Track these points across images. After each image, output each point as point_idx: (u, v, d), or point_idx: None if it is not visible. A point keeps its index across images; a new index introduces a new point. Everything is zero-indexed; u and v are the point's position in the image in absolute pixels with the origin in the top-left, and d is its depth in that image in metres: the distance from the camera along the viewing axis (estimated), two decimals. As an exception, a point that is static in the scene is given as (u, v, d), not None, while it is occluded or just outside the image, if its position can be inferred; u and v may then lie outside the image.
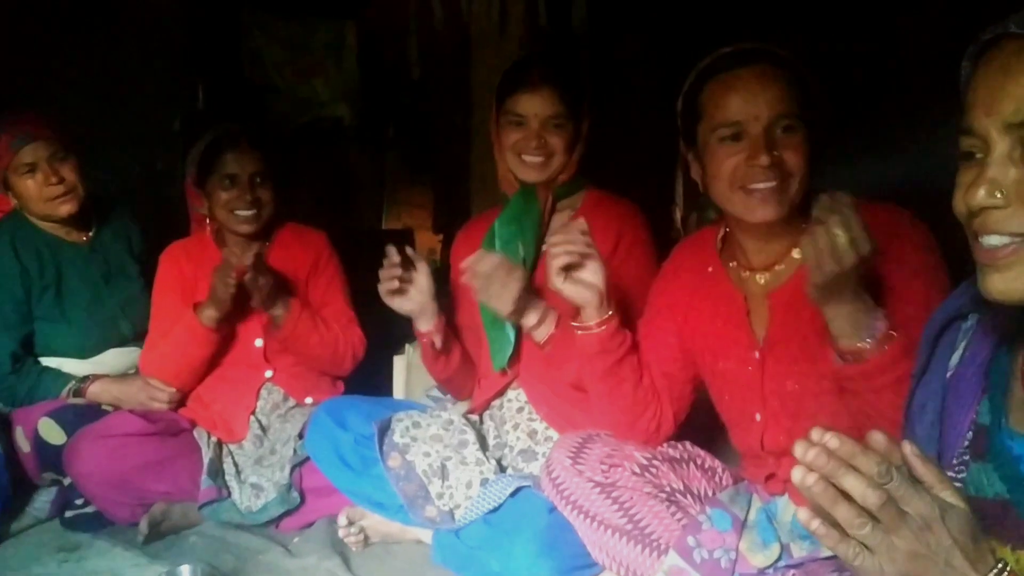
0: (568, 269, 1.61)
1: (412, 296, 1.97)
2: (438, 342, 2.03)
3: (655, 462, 1.69)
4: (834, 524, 0.78)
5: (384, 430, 2.02)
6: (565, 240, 1.60)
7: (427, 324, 2.01)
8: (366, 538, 2.07)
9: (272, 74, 3.88)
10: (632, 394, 1.71)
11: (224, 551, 2.06)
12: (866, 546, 0.77)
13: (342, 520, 2.07)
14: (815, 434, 0.79)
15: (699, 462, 1.74)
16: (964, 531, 0.78)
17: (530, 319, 1.86)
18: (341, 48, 3.93)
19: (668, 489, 1.66)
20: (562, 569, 1.67)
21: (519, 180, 2.02)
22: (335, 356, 2.37)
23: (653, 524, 1.59)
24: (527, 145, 1.96)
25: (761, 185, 1.43)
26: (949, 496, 0.79)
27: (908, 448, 0.80)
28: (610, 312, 1.64)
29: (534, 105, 1.95)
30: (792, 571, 1.43)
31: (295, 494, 2.16)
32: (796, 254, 1.52)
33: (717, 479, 1.73)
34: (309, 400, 2.39)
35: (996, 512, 0.92)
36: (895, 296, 1.40)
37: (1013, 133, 0.83)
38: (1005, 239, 0.85)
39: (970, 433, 0.99)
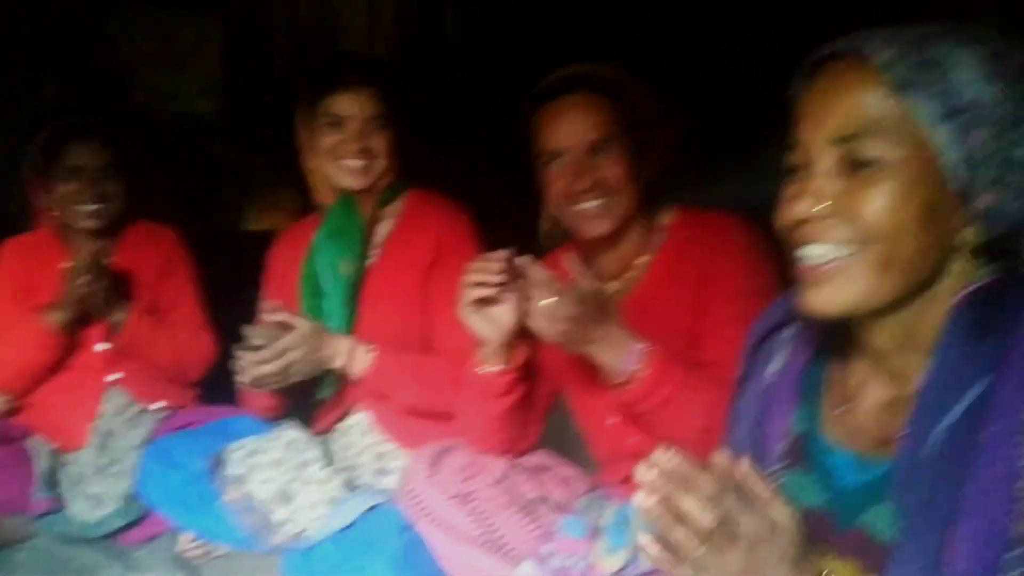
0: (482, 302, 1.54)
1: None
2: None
3: (512, 472, 1.70)
4: (671, 547, 0.79)
5: (217, 464, 1.91)
6: (483, 270, 1.50)
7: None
8: (209, 550, 1.98)
9: (131, 65, 3.71)
10: (521, 426, 1.70)
11: (59, 567, 1.95)
12: (701, 566, 0.78)
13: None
14: (657, 455, 0.80)
15: (556, 471, 1.75)
16: (792, 545, 0.81)
17: (337, 361, 1.79)
18: (206, 42, 3.79)
19: (525, 499, 1.67)
20: (418, 590, 1.64)
21: (337, 188, 1.90)
22: (181, 364, 2.27)
23: (509, 535, 1.59)
24: (347, 149, 1.84)
25: (585, 205, 1.53)
26: (780, 512, 0.82)
27: (742, 467, 0.82)
28: (512, 365, 1.59)
29: (354, 105, 1.83)
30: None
31: (138, 505, 2.05)
32: (642, 260, 1.63)
33: (573, 487, 1.74)
34: (157, 405, 2.28)
35: (815, 520, 0.94)
36: (709, 312, 1.52)
37: (838, 147, 0.86)
38: (827, 251, 0.87)
39: (785, 442, 1.02)
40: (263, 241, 2.00)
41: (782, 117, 0.98)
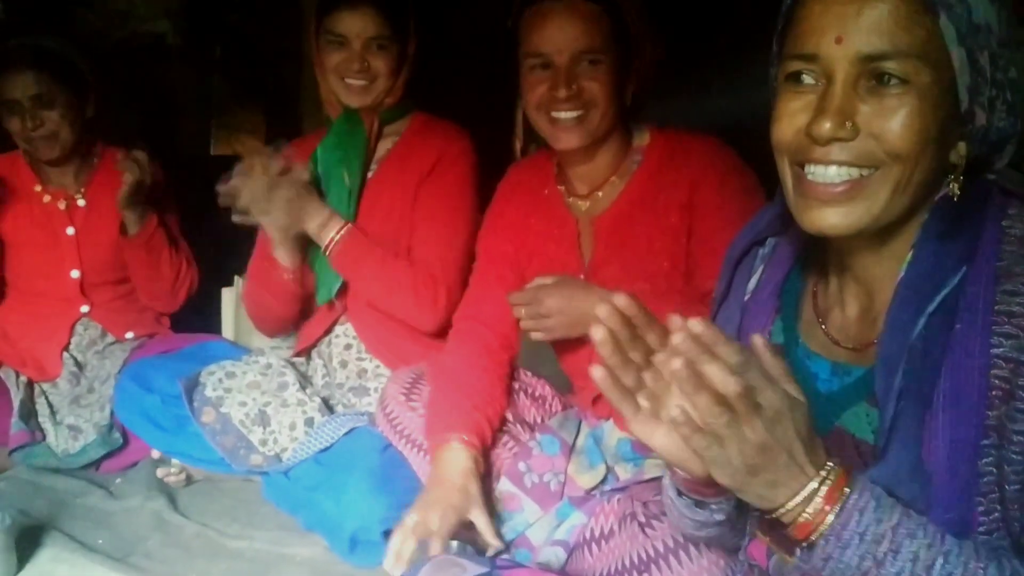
0: None
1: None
2: (301, 284, 1.95)
3: (487, 393, 1.72)
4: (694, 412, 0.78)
5: (192, 386, 1.92)
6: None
7: (290, 257, 1.91)
8: (188, 476, 2.00)
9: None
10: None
11: (37, 496, 1.92)
12: (719, 436, 0.77)
13: (155, 454, 2.00)
14: (688, 321, 0.79)
15: (530, 391, 1.77)
16: (806, 426, 0.80)
17: (312, 223, 1.82)
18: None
19: (502, 417, 1.69)
20: (397, 505, 1.64)
21: (342, 104, 1.94)
22: (176, 282, 2.26)
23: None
24: (349, 67, 1.87)
25: (563, 115, 1.51)
26: (794, 391, 0.81)
27: (759, 341, 0.81)
28: None
29: (355, 25, 1.85)
30: (617, 495, 1.47)
31: (117, 435, 2.06)
32: (616, 180, 1.62)
33: (547, 407, 1.77)
34: (130, 335, 2.27)
35: None
36: (704, 242, 1.52)
37: (865, 64, 0.83)
38: (844, 171, 0.85)
39: None
40: (226, 166, 1.95)
41: (763, 33, 0.95)
